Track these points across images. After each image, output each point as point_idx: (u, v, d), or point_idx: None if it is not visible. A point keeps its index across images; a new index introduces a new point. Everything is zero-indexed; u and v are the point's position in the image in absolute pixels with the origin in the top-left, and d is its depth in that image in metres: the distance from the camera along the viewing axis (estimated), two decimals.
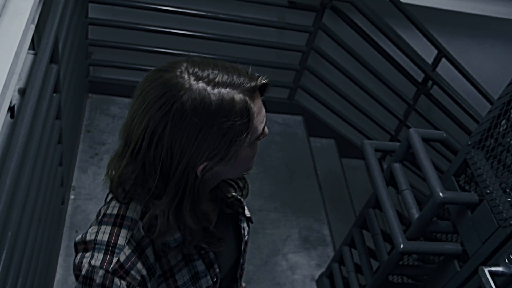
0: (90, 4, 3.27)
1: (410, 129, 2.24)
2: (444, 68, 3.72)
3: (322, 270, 3.14)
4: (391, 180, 2.41)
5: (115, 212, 1.08)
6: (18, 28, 1.80)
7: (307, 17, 3.53)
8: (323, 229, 3.46)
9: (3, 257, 1.50)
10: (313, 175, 3.79)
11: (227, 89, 0.96)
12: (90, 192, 3.16)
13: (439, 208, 2.02)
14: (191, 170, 1.00)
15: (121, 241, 1.04)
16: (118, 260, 1.02)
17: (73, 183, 3.18)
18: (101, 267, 1.01)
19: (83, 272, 1.02)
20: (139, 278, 1.04)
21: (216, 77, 0.97)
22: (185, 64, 0.98)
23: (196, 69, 0.97)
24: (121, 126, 1.06)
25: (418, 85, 3.83)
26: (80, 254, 1.06)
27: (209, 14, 3.39)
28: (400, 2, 3.44)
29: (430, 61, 3.70)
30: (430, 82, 3.80)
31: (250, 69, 1.03)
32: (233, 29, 3.52)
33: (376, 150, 2.43)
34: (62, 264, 2.77)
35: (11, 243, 1.56)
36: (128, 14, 3.41)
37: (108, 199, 1.14)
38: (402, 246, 2.05)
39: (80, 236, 1.09)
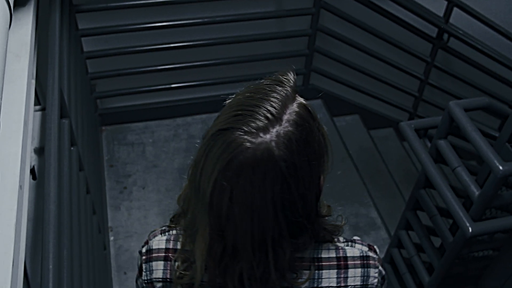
0: (82, 38, 3.13)
1: (450, 103, 2.08)
2: (458, 17, 3.53)
3: (380, 255, 3.02)
4: (437, 157, 2.27)
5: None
6: (21, 88, 1.69)
7: None
8: (371, 212, 3.33)
9: None
10: (347, 157, 3.65)
11: None
12: (128, 230, 3.07)
13: (501, 182, 1.88)
14: None
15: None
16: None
17: (109, 224, 3.08)
18: None
19: None
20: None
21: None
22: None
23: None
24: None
25: (433, 40, 3.64)
26: None
27: (205, 20, 3.22)
28: None
29: (441, 14, 3.51)
30: (445, 35, 3.61)
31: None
32: (233, 29, 3.35)
33: (416, 129, 2.27)
34: None
35: None
36: (122, 38, 3.26)
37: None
38: (470, 230, 1.92)
39: None
